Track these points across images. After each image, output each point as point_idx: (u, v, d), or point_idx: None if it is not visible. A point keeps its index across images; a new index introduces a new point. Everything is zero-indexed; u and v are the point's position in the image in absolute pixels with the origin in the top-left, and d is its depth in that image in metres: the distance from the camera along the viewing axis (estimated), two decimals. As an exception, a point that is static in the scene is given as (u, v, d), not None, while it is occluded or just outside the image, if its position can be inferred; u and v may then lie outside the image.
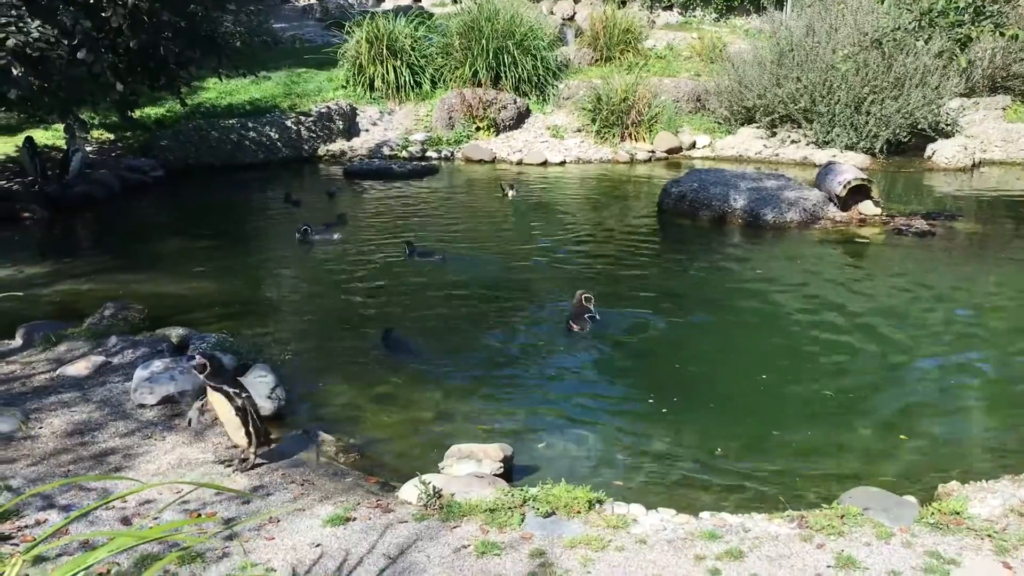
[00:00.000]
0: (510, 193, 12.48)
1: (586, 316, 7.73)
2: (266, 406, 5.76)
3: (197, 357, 5.11)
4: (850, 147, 14.89)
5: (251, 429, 5.11)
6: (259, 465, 5.14)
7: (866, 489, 4.86)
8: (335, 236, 10.44)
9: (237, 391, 5.11)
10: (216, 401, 5.14)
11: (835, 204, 11.30)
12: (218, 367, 5.15)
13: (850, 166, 12.14)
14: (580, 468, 5.44)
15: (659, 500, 4.94)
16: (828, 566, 4.10)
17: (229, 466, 5.11)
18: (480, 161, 15.13)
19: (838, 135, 14.97)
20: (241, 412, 5.09)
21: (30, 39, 8.13)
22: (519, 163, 15.09)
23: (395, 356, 7.16)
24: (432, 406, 6.32)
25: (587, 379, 6.96)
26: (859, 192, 11.34)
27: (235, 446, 5.26)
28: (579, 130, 16.06)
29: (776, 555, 4.20)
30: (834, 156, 14.24)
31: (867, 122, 14.76)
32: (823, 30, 15.43)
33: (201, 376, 5.10)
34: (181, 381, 5.86)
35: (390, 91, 16.50)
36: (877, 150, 14.83)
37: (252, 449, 5.14)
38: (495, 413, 6.28)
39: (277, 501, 4.73)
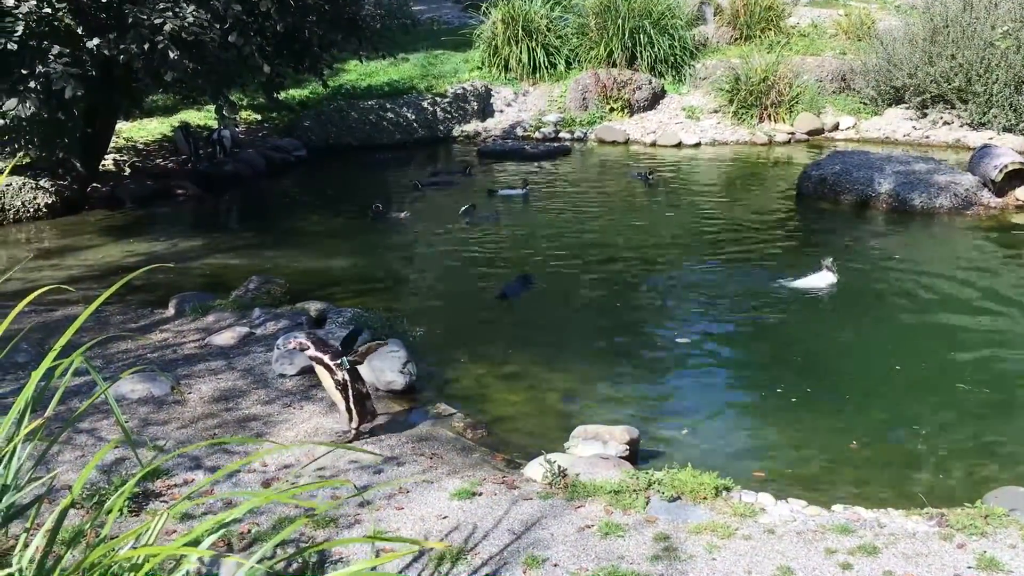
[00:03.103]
0: (650, 178, 12.27)
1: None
2: (397, 380, 5.92)
3: (292, 342, 5.28)
4: (1008, 129, 14.00)
5: (351, 404, 5.16)
6: (360, 438, 5.23)
7: (1013, 489, 4.61)
8: (403, 215, 10.67)
9: (339, 363, 5.14)
10: (319, 373, 5.27)
11: (990, 190, 10.68)
12: (318, 340, 5.25)
13: (1007, 149, 11.43)
14: (706, 454, 5.35)
15: (789, 491, 4.81)
16: (969, 567, 3.91)
17: (360, 437, 5.26)
18: (613, 142, 15.01)
19: (995, 116, 14.11)
20: (341, 386, 5.14)
21: (185, 24, 8.55)
22: (652, 144, 14.89)
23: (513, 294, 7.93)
24: (559, 386, 6.35)
25: (715, 365, 6.84)
26: (1017, 177, 10.66)
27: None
28: (716, 111, 15.70)
29: (913, 553, 4.04)
30: (990, 139, 13.43)
31: (1028, 102, 13.86)
32: (982, 5, 14.52)
33: (306, 352, 5.24)
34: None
35: (524, 72, 16.53)
36: (1038, 133, 13.92)
37: (353, 424, 5.23)
38: (621, 395, 6.26)
39: (407, 472, 4.85)
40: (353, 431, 5.25)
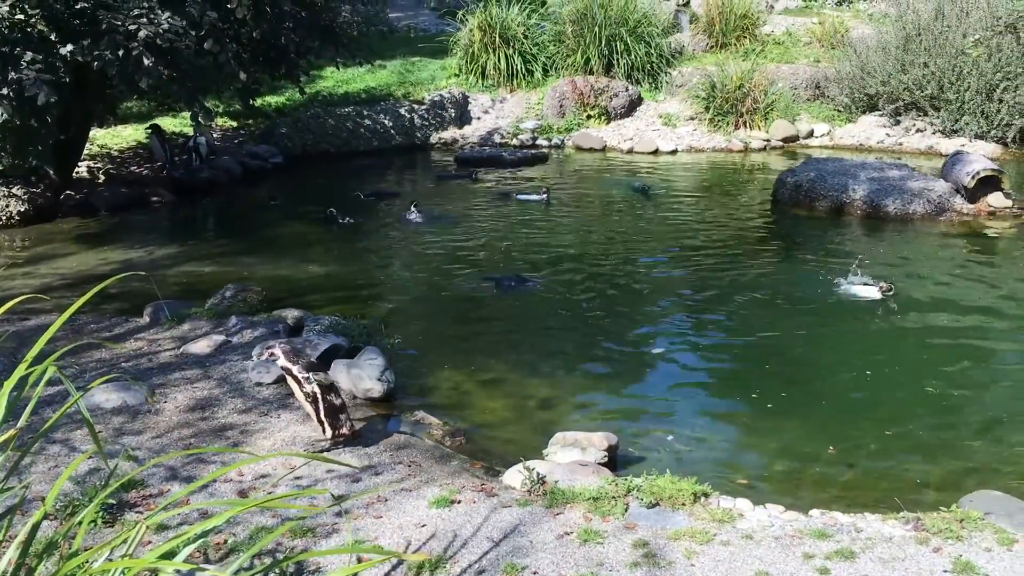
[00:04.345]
0: (649, 190, 12.19)
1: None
2: (375, 388, 5.89)
3: (264, 352, 5.23)
4: (980, 136, 14.18)
5: (322, 417, 5.12)
6: (337, 448, 5.19)
7: (988, 493, 4.65)
8: (347, 220, 10.77)
9: (307, 376, 5.08)
10: (290, 383, 5.22)
11: (962, 196, 10.80)
12: (290, 351, 5.19)
13: (979, 156, 11.58)
14: (684, 460, 5.37)
15: (767, 496, 4.84)
16: (945, 571, 3.95)
17: (337, 446, 5.22)
18: (590, 149, 15.05)
19: (967, 123, 14.28)
20: (311, 398, 5.10)
21: (160, 30, 8.49)
22: (630, 151, 14.93)
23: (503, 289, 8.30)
24: (538, 393, 6.35)
25: (691, 372, 6.86)
26: (988, 183, 10.79)
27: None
28: (692, 118, 15.79)
29: (889, 557, 4.06)
30: (962, 145, 13.59)
31: (999, 110, 14.02)
32: (953, 14, 14.71)
33: (276, 363, 5.19)
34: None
35: (502, 79, 16.56)
36: (1009, 139, 14.07)
37: (327, 435, 5.18)
38: (600, 401, 6.27)
39: (385, 481, 4.83)
40: (328, 442, 5.21)
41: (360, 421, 5.58)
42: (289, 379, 5.18)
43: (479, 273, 8.92)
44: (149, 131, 13.14)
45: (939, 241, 10.02)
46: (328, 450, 5.17)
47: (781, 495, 4.88)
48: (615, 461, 5.19)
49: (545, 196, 11.64)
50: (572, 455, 5.08)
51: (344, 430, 5.24)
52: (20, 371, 2.86)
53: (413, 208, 10.83)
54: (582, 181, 13.41)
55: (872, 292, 8.01)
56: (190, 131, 13.44)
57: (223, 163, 13.15)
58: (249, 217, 11.82)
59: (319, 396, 5.10)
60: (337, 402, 5.23)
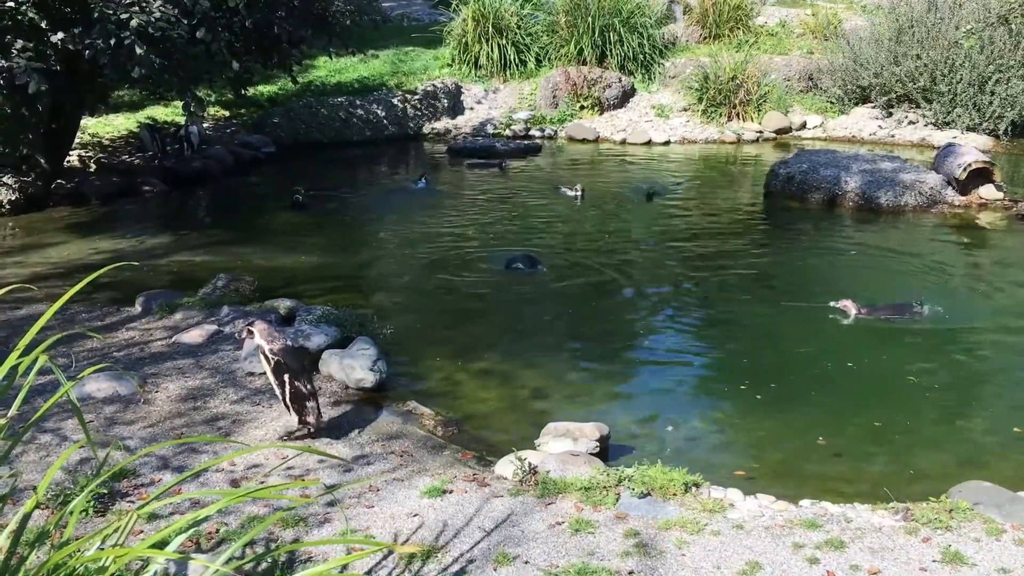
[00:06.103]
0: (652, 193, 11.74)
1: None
2: (367, 378, 5.89)
3: (245, 329, 5.21)
4: (972, 128, 14.22)
5: (287, 401, 5.07)
6: (315, 438, 5.16)
7: (977, 483, 4.67)
8: (309, 202, 10.94)
9: (278, 358, 5.03)
10: (263, 364, 5.17)
11: (954, 188, 10.83)
12: (267, 331, 5.13)
13: (971, 148, 11.61)
14: (675, 451, 5.38)
15: (757, 486, 4.85)
16: (934, 561, 3.97)
17: (313, 437, 5.20)
18: (583, 140, 15.03)
19: (959, 116, 14.31)
20: (278, 380, 5.04)
21: (152, 19, 8.44)
22: (622, 142, 14.93)
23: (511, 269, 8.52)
24: (530, 383, 6.36)
25: (682, 364, 6.87)
26: (980, 176, 10.83)
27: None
28: (685, 109, 15.78)
29: (879, 547, 4.09)
30: (954, 138, 13.62)
31: (991, 102, 14.06)
32: (946, 6, 14.73)
33: (249, 338, 5.14)
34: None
35: (495, 69, 16.52)
36: (1001, 132, 14.12)
37: (293, 422, 5.13)
38: (592, 392, 6.28)
39: (377, 471, 4.84)
40: (296, 429, 5.17)
41: (345, 405, 5.59)
42: (261, 358, 5.14)
43: (472, 263, 8.91)
44: (143, 123, 13.08)
45: (931, 233, 10.05)
46: (294, 437, 5.14)
47: (772, 485, 4.90)
48: (607, 451, 5.21)
49: (580, 192, 11.48)
50: (564, 445, 5.09)
51: (310, 419, 5.17)
52: (11, 360, 2.85)
53: (422, 179, 11.33)
54: (577, 174, 13.39)
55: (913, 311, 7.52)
56: (182, 120, 13.37)
57: (215, 153, 13.10)
58: (241, 207, 11.79)
59: (286, 379, 5.06)
60: (306, 389, 5.15)
